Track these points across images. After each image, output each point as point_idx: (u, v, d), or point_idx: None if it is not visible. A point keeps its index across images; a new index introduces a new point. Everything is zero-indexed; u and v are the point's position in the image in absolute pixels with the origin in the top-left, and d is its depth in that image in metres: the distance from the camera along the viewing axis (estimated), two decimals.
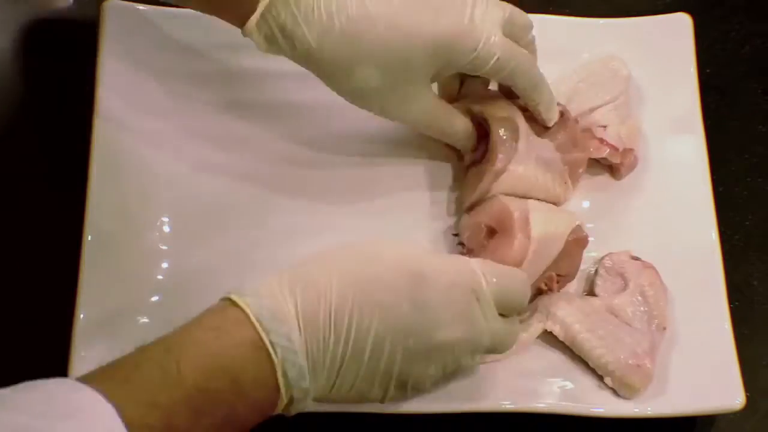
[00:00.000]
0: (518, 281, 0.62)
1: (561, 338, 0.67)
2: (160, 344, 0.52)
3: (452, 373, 0.60)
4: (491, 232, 0.68)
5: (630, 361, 0.65)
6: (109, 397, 0.47)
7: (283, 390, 0.53)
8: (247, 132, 0.74)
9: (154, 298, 0.68)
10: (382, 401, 0.58)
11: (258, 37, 0.64)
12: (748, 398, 0.65)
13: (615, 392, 0.66)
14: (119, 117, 0.72)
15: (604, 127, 0.73)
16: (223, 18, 0.66)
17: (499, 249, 0.67)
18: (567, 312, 0.67)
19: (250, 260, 0.70)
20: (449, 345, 0.57)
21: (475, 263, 0.60)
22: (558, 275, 0.68)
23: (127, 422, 0.46)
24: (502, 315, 0.60)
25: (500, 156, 0.68)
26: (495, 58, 0.64)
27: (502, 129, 0.69)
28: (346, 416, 0.65)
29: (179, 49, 0.75)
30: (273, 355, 0.52)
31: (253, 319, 0.52)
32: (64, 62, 0.79)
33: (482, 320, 0.58)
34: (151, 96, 0.73)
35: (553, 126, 0.70)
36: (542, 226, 0.66)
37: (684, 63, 0.76)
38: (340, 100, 0.69)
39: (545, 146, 0.70)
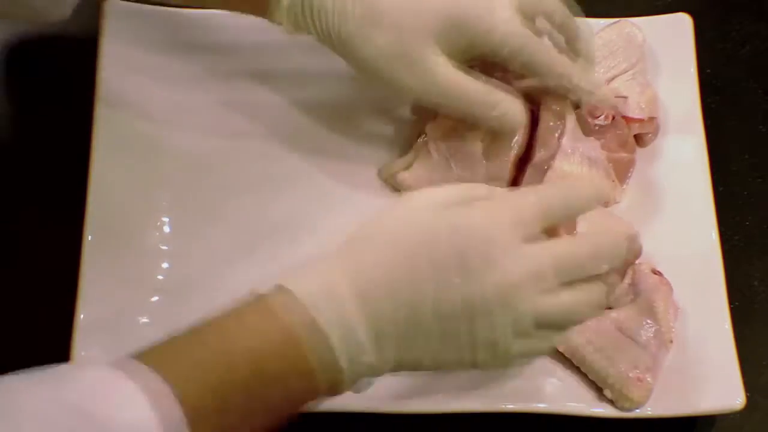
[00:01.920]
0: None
1: (561, 350, 0.66)
2: (212, 327, 0.51)
3: (528, 321, 0.54)
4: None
5: (630, 374, 0.64)
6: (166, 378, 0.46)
7: (345, 366, 0.51)
8: (247, 131, 0.74)
9: (154, 298, 0.68)
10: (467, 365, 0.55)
11: (287, 20, 0.66)
12: (748, 398, 0.65)
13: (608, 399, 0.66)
14: (119, 117, 0.72)
15: (625, 98, 0.73)
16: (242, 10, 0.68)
17: None
18: None
19: (251, 260, 0.70)
20: (507, 284, 0.53)
21: (513, 199, 0.57)
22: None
23: (183, 402, 0.46)
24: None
25: (540, 152, 0.68)
26: (508, 47, 0.64)
27: (550, 123, 0.69)
28: (345, 416, 0.65)
29: (179, 49, 0.75)
30: (328, 334, 0.50)
31: (301, 299, 0.51)
32: (64, 62, 0.79)
33: (537, 252, 0.54)
34: (152, 96, 0.74)
35: (604, 125, 0.71)
36: (590, 231, 0.66)
37: (684, 63, 0.76)
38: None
39: (590, 144, 0.70)
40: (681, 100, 0.75)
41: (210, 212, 0.71)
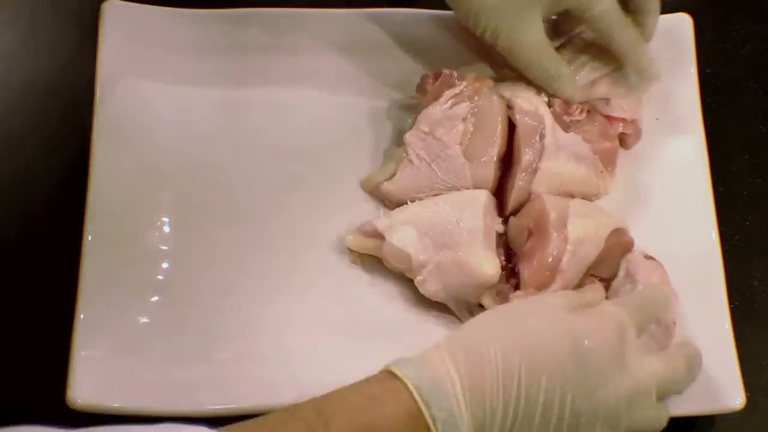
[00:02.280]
0: (657, 303, 0.62)
1: None
2: (311, 405, 0.51)
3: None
4: (531, 234, 0.68)
5: None
6: None
7: None
8: (247, 131, 0.74)
9: (154, 298, 0.68)
10: None
11: None
12: (748, 398, 0.65)
13: None
14: (119, 117, 0.72)
15: (607, 100, 0.73)
16: None
17: (535, 250, 0.67)
18: None
19: (251, 260, 0.70)
20: (616, 400, 0.55)
21: (614, 308, 0.58)
22: (601, 279, 0.68)
23: None
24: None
25: (527, 154, 0.69)
26: (604, 23, 0.69)
27: (529, 123, 0.69)
28: None
29: (179, 49, 0.75)
30: (432, 429, 0.50)
31: (413, 389, 0.50)
32: (64, 62, 0.79)
33: (639, 365, 0.57)
34: (151, 96, 0.74)
35: (580, 119, 0.71)
36: (581, 228, 0.66)
37: (684, 63, 0.76)
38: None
39: (573, 139, 0.70)
40: (681, 100, 0.75)
41: (210, 212, 0.71)
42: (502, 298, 0.66)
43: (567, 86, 0.71)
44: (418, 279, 0.67)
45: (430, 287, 0.67)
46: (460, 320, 0.68)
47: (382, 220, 0.69)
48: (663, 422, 0.59)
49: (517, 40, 0.69)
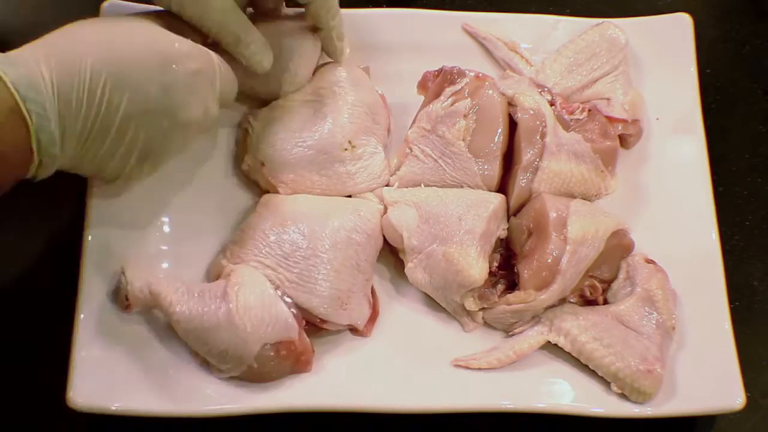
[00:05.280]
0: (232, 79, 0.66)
1: (567, 349, 0.66)
2: None
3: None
4: (531, 234, 0.68)
5: (641, 367, 0.64)
6: None
7: (35, 154, 0.57)
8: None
9: None
10: (118, 176, 0.63)
11: None
12: (748, 398, 0.65)
13: (616, 393, 0.66)
14: None
15: (608, 99, 0.73)
16: None
17: (534, 250, 0.67)
18: (572, 323, 0.66)
19: None
20: (187, 125, 0.62)
21: (215, 55, 0.64)
22: (601, 281, 0.68)
23: None
24: None
25: (527, 153, 0.69)
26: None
27: (530, 122, 0.69)
28: (345, 416, 0.65)
29: None
30: (29, 122, 0.55)
31: (11, 86, 0.55)
32: None
33: (214, 105, 0.64)
34: None
35: (581, 119, 0.71)
36: (581, 228, 0.66)
37: (684, 63, 0.76)
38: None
39: (573, 139, 0.70)
40: (681, 100, 0.75)
41: (210, 212, 0.71)
42: (485, 301, 0.67)
43: (258, 53, 0.68)
44: (408, 266, 0.68)
45: (417, 276, 0.67)
46: (455, 318, 0.69)
47: (391, 192, 0.69)
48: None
49: (202, 6, 0.65)
